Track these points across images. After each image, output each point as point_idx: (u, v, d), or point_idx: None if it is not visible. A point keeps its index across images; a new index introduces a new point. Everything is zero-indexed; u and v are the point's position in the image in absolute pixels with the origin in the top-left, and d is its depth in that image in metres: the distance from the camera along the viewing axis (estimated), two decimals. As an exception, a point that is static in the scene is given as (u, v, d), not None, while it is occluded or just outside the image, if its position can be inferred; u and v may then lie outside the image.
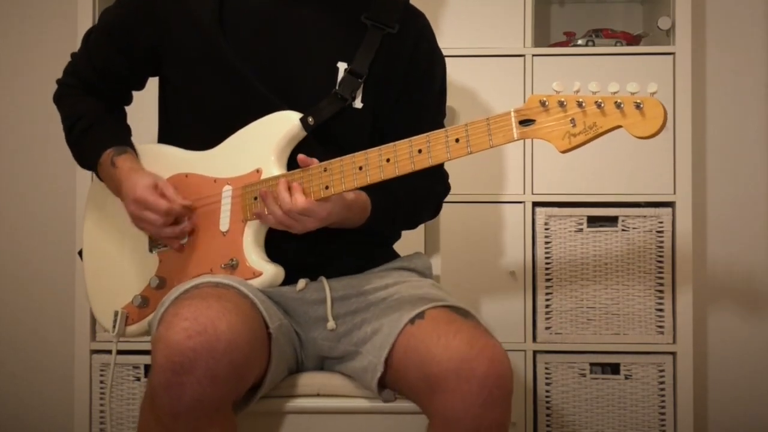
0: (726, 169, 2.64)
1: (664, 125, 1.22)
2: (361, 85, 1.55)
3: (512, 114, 1.30)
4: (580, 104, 1.25)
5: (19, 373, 2.70)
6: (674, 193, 2.33)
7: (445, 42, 2.35)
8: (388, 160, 1.38)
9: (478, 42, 2.37)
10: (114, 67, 1.63)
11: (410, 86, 1.62)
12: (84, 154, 1.63)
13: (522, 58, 2.36)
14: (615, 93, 1.24)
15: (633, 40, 2.44)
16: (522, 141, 2.12)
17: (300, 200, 1.40)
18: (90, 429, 2.34)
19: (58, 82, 1.69)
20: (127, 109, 1.73)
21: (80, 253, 1.70)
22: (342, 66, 1.55)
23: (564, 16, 2.67)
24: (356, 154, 1.41)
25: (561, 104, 1.26)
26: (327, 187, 1.43)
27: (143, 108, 1.74)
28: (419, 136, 1.37)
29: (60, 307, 2.59)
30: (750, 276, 2.62)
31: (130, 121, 1.72)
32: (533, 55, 2.36)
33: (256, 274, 1.48)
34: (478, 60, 2.37)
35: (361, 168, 1.40)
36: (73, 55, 1.70)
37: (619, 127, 1.24)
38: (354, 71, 1.54)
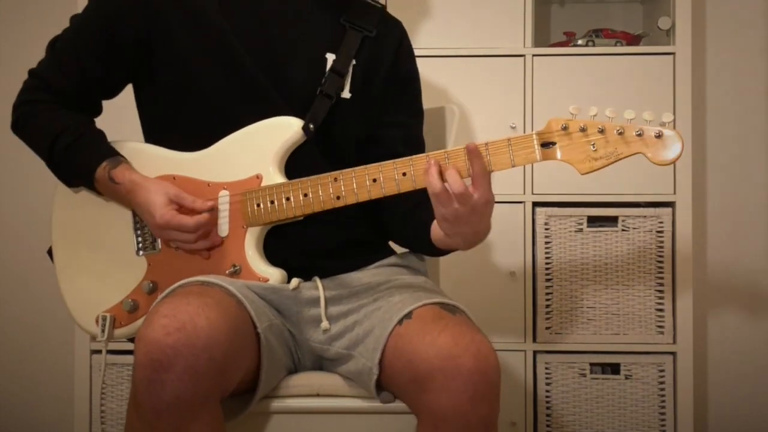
0: (726, 169, 2.64)
1: (682, 153, 1.30)
2: (347, 81, 1.56)
3: (534, 136, 1.34)
4: (601, 131, 1.32)
5: (20, 373, 2.71)
6: (674, 193, 2.33)
7: (444, 42, 2.37)
8: (404, 174, 1.40)
9: (478, 42, 2.37)
10: (90, 71, 1.56)
11: (398, 91, 1.64)
12: (73, 172, 1.56)
13: (522, 58, 2.36)
14: (631, 120, 1.31)
15: (633, 40, 2.44)
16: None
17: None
18: (90, 429, 2.34)
19: (18, 103, 1.59)
20: (112, 108, 1.67)
21: (49, 252, 1.64)
22: (330, 57, 1.57)
23: (564, 16, 2.68)
24: (369, 165, 1.42)
25: (582, 129, 1.33)
26: (338, 197, 1.43)
27: (128, 106, 1.66)
28: (437, 152, 1.38)
29: (60, 307, 2.58)
30: (750, 276, 2.62)
31: (115, 121, 1.67)
32: (533, 55, 2.36)
33: (262, 280, 1.48)
34: (478, 60, 2.37)
35: (375, 180, 1.41)
36: (32, 71, 1.60)
37: (638, 153, 1.32)
38: (335, 68, 1.56)
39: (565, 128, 1.33)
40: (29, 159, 2.71)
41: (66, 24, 1.62)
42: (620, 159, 1.33)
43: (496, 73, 2.36)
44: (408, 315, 1.39)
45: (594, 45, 2.40)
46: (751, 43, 2.64)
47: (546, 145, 1.35)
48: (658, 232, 2.33)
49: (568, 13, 2.68)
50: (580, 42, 2.42)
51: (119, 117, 1.70)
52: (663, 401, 2.32)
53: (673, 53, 2.33)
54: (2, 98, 2.72)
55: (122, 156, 1.55)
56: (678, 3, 2.34)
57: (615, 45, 2.40)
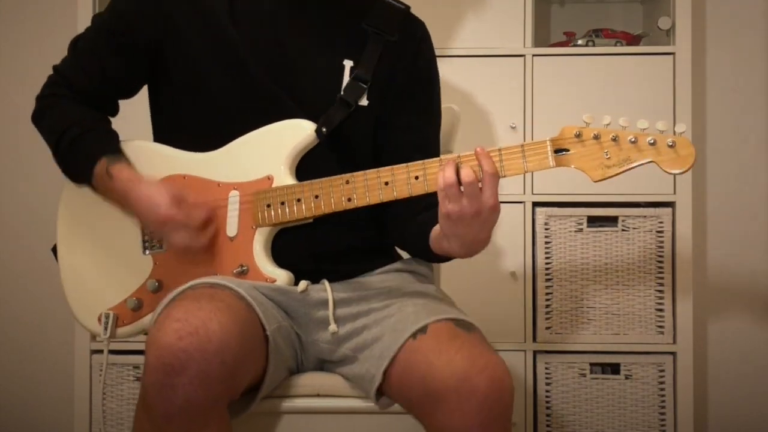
0: (726, 169, 2.64)
1: (694, 163, 1.32)
2: (366, 89, 1.55)
3: (548, 142, 1.35)
4: (614, 139, 1.33)
5: (20, 373, 2.71)
6: (674, 193, 2.33)
7: (445, 42, 2.37)
8: (416, 178, 1.40)
9: (478, 42, 2.37)
10: (110, 71, 1.58)
11: (413, 93, 1.62)
12: (75, 165, 1.57)
13: (522, 58, 2.36)
14: (644, 129, 1.32)
15: (633, 40, 2.44)
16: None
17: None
18: (90, 429, 2.34)
19: (40, 96, 1.61)
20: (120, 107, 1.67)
21: (54, 249, 1.64)
22: (348, 64, 1.55)
23: (564, 16, 2.68)
24: (381, 168, 1.42)
25: (596, 137, 1.34)
26: (349, 200, 1.43)
27: (137, 107, 1.68)
28: (449, 155, 1.38)
29: (60, 307, 2.57)
30: (750, 276, 2.62)
31: (123, 119, 1.67)
32: (533, 55, 2.36)
33: (269, 281, 1.48)
34: (478, 60, 2.37)
35: (387, 183, 1.41)
36: (56, 67, 1.62)
37: (651, 162, 1.33)
38: (359, 76, 1.55)
39: (578, 135, 1.34)
40: (29, 158, 2.71)
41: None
42: (633, 167, 1.34)
43: (496, 73, 2.36)
44: (422, 329, 1.38)
45: (594, 45, 2.40)
46: (751, 43, 2.64)
47: (559, 151, 1.35)
48: (658, 232, 2.33)
49: (568, 13, 2.68)
50: (580, 42, 2.42)
51: (123, 118, 1.69)
52: (663, 401, 2.32)
53: (673, 53, 2.33)
54: (2, 98, 2.74)
55: (125, 156, 1.55)
56: (678, 3, 2.34)
57: (615, 45, 2.40)
